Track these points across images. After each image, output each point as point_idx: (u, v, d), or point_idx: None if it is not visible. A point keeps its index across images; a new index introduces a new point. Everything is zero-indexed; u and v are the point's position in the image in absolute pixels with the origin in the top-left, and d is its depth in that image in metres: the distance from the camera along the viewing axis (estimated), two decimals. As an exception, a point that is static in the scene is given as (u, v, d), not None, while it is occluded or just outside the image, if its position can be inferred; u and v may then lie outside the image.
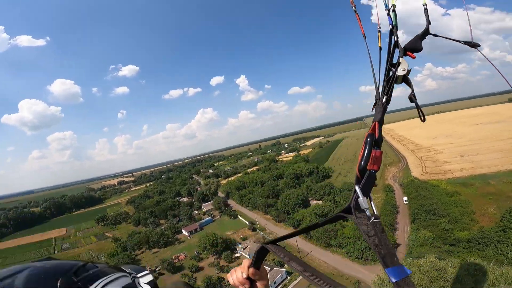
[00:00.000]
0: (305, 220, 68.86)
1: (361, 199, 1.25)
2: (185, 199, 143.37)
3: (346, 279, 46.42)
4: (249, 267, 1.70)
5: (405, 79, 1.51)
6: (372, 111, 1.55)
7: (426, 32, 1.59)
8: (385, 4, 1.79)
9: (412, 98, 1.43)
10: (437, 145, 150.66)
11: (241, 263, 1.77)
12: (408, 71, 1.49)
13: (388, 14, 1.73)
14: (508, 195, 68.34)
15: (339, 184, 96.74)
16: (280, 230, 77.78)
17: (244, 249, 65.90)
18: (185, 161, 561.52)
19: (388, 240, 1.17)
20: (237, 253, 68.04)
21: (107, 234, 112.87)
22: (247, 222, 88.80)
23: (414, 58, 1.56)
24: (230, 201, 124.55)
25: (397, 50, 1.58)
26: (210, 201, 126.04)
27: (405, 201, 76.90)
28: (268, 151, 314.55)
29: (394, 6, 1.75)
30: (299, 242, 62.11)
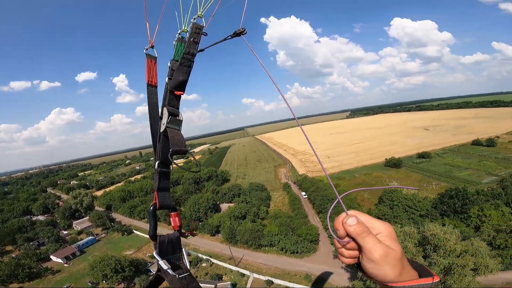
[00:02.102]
0: (225, 223, 62.99)
1: (160, 262, 1.34)
2: (41, 218, 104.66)
3: (295, 275, 44.62)
4: None
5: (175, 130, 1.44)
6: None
7: (188, 54, 1.49)
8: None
9: (169, 157, 1.38)
10: (309, 150, 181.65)
11: None
12: (173, 122, 1.39)
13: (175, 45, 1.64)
14: (371, 184, 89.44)
15: (244, 186, 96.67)
16: (196, 239, 67.99)
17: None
18: (30, 172, 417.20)
19: None
20: (153, 274, 53.19)
21: None
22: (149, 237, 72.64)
23: (182, 94, 1.47)
24: (115, 215, 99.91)
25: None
26: (83, 217, 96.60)
27: (304, 195, 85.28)
28: (151, 158, 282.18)
29: (185, 31, 1.63)
30: (224, 249, 55.82)
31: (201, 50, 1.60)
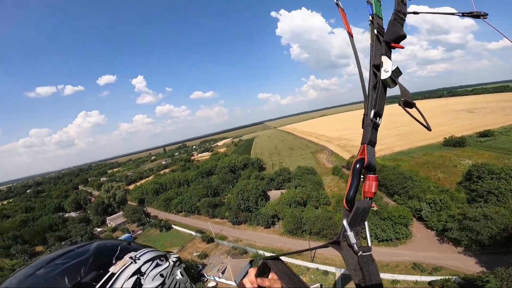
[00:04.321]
0: (285, 212, 52.64)
1: (349, 234, 1.15)
2: (73, 214, 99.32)
3: (396, 266, 34.33)
4: (256, 277, 1.65)
5: (395, 81, 1.28)
6: (362, 127, 1.26)
7: (400, 12, 1.41)
8: None
9: (401, 105, 1.15)
10: (344, 136, 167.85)
11: (248, 272, 1.75)
12: (396, 71, 1.28)
13: (368, 2, 1.58)
14: (438, 163, 77.00)
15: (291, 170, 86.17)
16: (248, 232, 58.44)
17: (222, 273, 41.36)
18: (62, 172, 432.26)
19: (375, 273, 1.07)
20: (209, 280, 42.82)
21: None
22: (192, 232, 63.55)
23: (403, 48, 1.38)
24: (149, 209, 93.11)
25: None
26: (116, 212, 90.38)
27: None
28: (176, 154, 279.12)
29: None
30: (287, 243, 45.74)
31: (416, 13, 1.55)
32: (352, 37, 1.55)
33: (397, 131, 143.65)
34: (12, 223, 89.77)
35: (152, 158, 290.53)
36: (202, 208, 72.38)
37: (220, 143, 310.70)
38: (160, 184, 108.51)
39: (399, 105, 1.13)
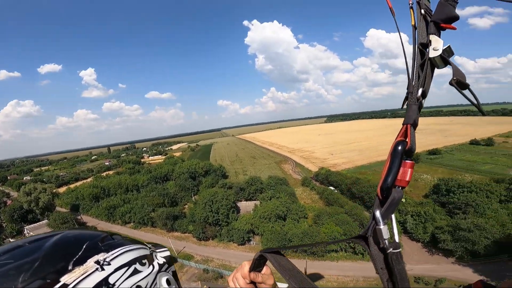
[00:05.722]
0: (264, 227, 45.43)
1: (382, 228, 0.98)
2: None
3: None
4: (250, 271, 1.48)
5: (445, 61, 1.17)
6: (402, 107, 1.13)
7: None
8: None
9: (453, 84, 1.02)
10: (306, 148, 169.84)
11: (240, 265, 1.54)
12: (447, 50, 1.18)
13: None
14: None
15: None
16: (219, 250, 49.09)
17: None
18: None
19: (404, 273, 0.95)
20: None
21: None
22: (146, 248, 51.76)
23: (455, 29, 1.26)
24: (85, 218, 75.63)
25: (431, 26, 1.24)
26: (39, 220, 71.55)
27: (333, 190, 72.95)
28: (123, 155, 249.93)
29: None
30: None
31: None
32: (394, 14, 1.40)
33: (354, 147, 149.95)
34: None
35: (93, 157, 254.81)
36: (159, 220, 60.43)
37: (174, 147, 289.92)
38: (102, 188, 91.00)
39: (450, 84, 1.00)
